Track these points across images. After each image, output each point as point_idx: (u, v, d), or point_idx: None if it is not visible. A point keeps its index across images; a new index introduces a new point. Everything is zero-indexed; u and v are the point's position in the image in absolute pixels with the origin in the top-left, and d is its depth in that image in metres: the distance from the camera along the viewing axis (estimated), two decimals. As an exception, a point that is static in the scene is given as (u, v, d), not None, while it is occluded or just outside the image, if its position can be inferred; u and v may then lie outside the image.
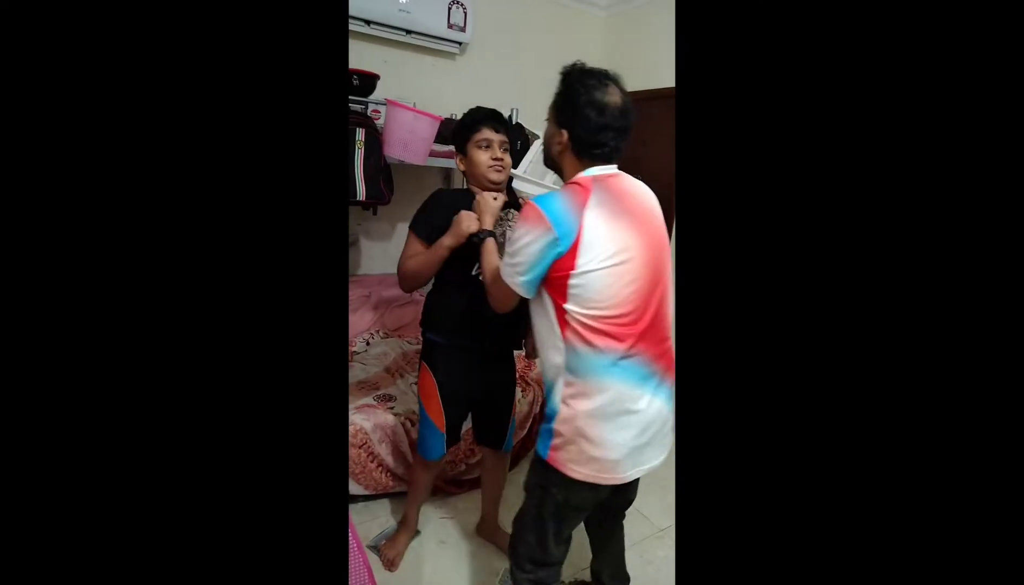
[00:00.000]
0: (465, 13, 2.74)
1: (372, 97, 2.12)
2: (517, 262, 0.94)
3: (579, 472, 0.97)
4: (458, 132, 1.34)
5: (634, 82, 3.55)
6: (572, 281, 0.90)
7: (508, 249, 0.97)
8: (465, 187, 1.41)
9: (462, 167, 1.36)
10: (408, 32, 2.63)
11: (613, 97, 0.96)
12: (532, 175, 1.42)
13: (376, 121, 2.06)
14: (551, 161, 1.06)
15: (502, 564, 1.63)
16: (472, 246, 1.21)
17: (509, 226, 1.32)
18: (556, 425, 0.98)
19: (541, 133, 1.39)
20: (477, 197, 1.25)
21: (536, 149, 1.53)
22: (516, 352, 1.54)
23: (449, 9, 2.68)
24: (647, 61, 3.25)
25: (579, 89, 0.96)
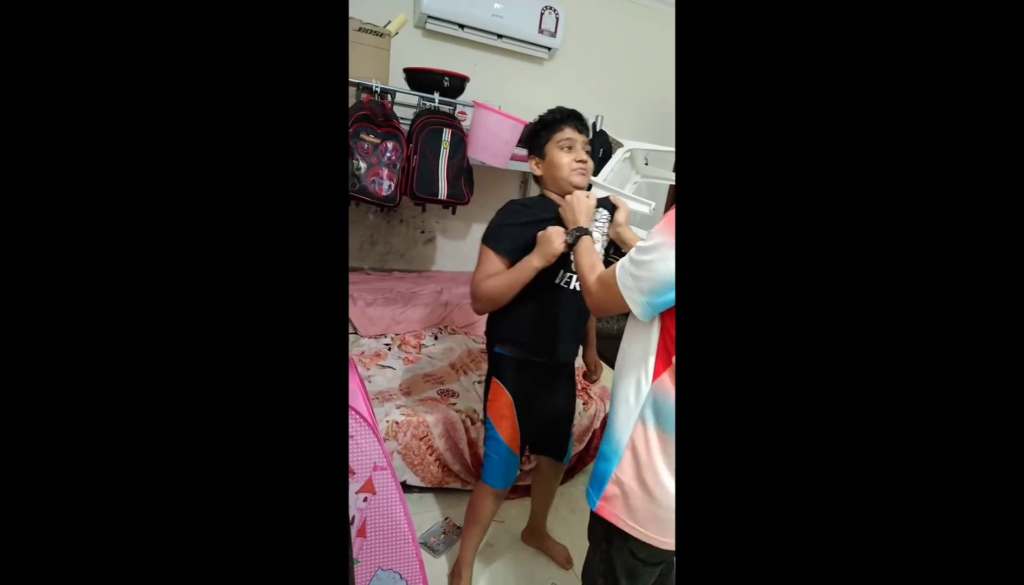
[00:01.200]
0: (557, 19, 2.74)
1: (460, 99, 2.17)
2: (644, 275, 0.77)
3: (636, 530, 0.84)
4: (536, 132, 1.23)
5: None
6: None
7: (636, 254, 0.79)
8: (540, 194, 1.29)
9: (538, 171, 1.25)
10: (500, 36, 2.67)
11: None
12: (613, 184, 1.34)
13: (463, 122, 2.11)
14: None
15: (546, 574, 1.60)
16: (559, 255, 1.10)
17: (597, 226, 1.19)
18: (616, 472, 0.85)
19: (624, 142, 1.34)
20: (568, 198, 1.11)
21: (619, 157, 1.46)
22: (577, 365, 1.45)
23: (541, 15, 2.70)
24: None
25: None
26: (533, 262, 1.11)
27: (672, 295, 0.75)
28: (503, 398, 1.28)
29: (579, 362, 1.49)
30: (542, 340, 1.24)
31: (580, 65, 2.96)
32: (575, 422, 1.53)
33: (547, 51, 2.83)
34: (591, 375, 1.58)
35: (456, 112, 2.14)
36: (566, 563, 1.62)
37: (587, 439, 2.01)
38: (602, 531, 0.91)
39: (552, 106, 1.27)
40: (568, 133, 1.20)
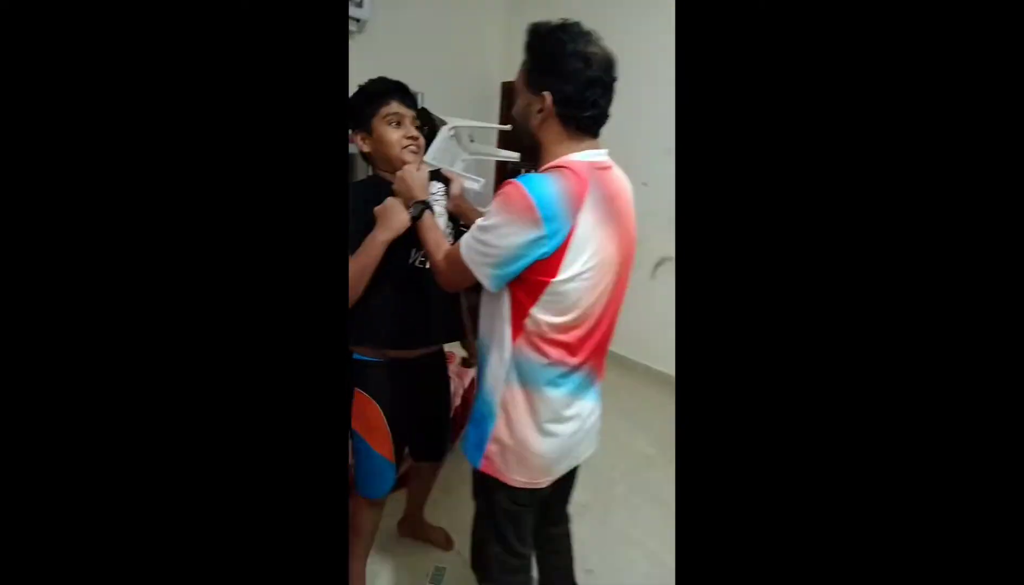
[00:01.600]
0: (362, -12, 2.57)
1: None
2: (490, 251, 0.79)
3: (517, 480, 0.92)
4: (360, 107, 1.11)
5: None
6: (550, 288, 0.79)
7: (479, 232, 0.81)
8: (371, 174, 1.20)
9: (366, 148, 1.13)
10: (299, 5, 2.41)
11: (597, 48, 0.81)
12: (442, 163, 1.30)
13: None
14: (526, 140, 0.89)
15: (429, 560, 1.59)
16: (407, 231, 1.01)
17: (436, 199, 1.13)
18: (494, 432, 0.91)
19: (449, 119, 1.31)
20: (399, 173, 1.03)
21: (444, 135, 1.42)
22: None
23: (344, -17, 2.50)
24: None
25: (561, 39, 0.80)
26: (379, 237, 1.00)
27: (517, 265, 0.79)
28: (370, 409, 1.17)
29: (450, 347, 1.41)
30: (407, 330, 1.13)
31: (395, 40, 2.83)
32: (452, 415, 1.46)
33: (356, 23, 2.65)
34: (472, 360, 1.49)
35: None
36: (447, 544, 1.61)
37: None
38: (480, 488, 0.98)
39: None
40: (395, 107, 1.11)
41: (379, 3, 2.70)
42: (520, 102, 0.89)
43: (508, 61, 3.58)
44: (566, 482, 1.10)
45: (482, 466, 0.93)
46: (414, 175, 1.04)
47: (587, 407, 0.95)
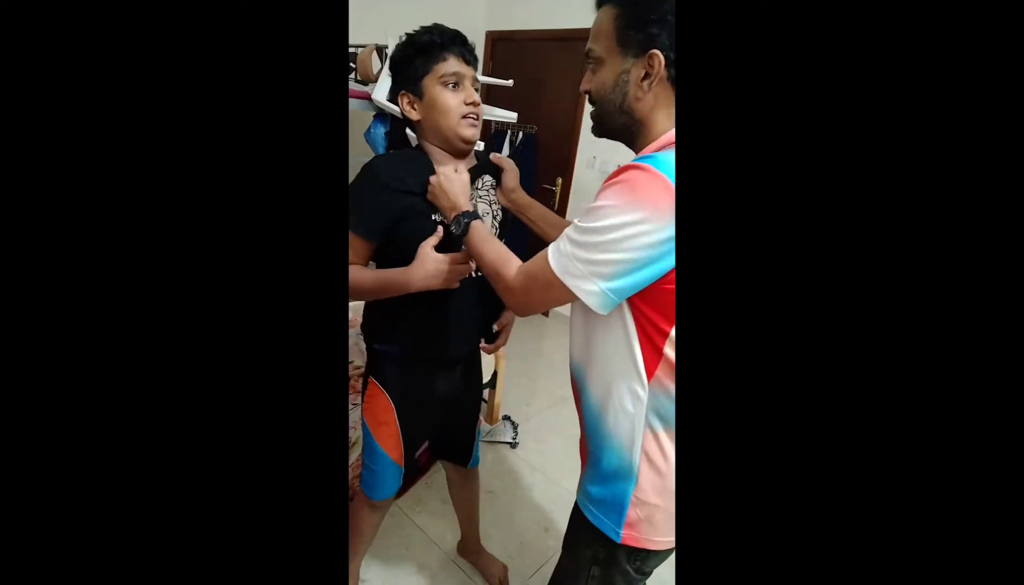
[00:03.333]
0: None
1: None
2: (607, 259, 0.60)
3: (664, 542, 0.73)
4: (408, 61, 0.88)
5: (531, 20, 3.23)
6: None
7: (583, 235, 0.62)
8: (416, 145, 0.96)
9: (415, 114, 0.90)
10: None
11: None
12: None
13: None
14: (618, 120, 0.68)
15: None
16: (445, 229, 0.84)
17: (491, 200, 0.94)
18: (638, 494, 0.71)
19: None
20: (434, 181, 0.84)
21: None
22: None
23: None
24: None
25: None
26: (411, 285, 0.83)
27: (645, 274, 0.60)
28: (381, 401, 1.02)
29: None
30: (434, 336, 0.98)
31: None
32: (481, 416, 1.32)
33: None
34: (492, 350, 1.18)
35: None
36: (502, 582, 1.42)
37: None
38: (602, 552, 0.76)
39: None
40: (454, 65, 0.86)
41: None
42: (605, 73, 0.67)
43: (491, 8, 3.24)
44: None
45: (623, 538, 0.73)
46: (452, 181, 0.82)
47: None
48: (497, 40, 3.27)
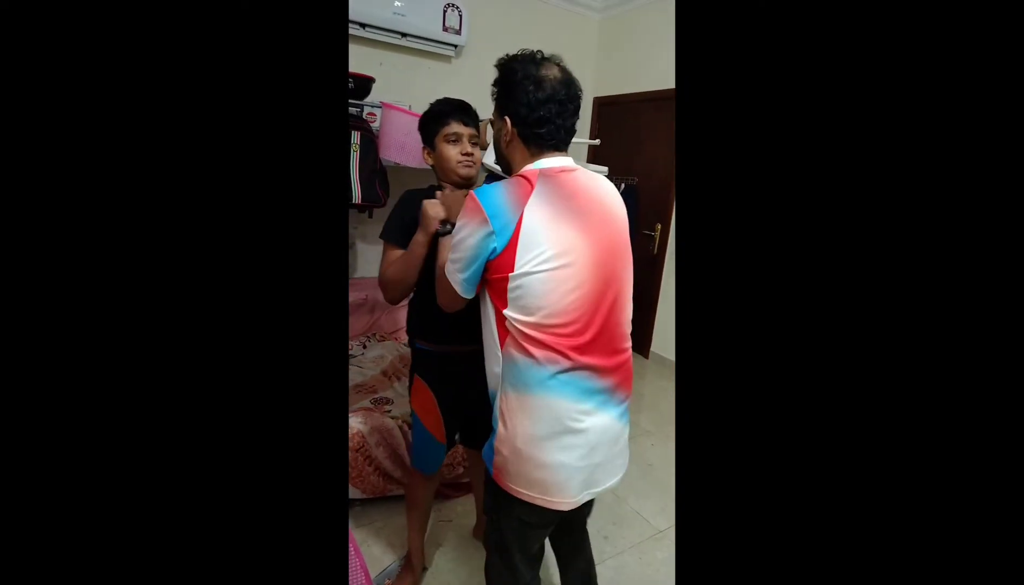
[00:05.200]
0: (460, 16, 2.74)
1: (368, 100, 2.11)
2: (457, 257, 0.90)
3: (524, 494, 0.91)
4: (425, 125, 1.26)
5: (629, 84, 3.56)
6: (511, 284, 0.85)
7: (453, 243, 0.92)
8: (435, 183, 1.33)
9: (430, 161, 1.29)
10: (404, 35, 2.63)
11: (550, 71, 0.90)
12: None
13: (372, 124, 2.06)
14: (503, 162, 1.00)
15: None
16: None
17: None
18: (496, 443, 0.92)
19: None
20: (438, 194, 1.18)
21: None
22: None
23: (444, 12, 2.69)
24: (642, 63, 3.26)
25: (513, 68, 0.91)
26: (419, 238, 1.15)
27: (477, 264, 0.88)
28: (425, 393, 1.33)
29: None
30: (458, 330, 1.23)
31: (488, 62, 2.97)
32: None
33: (453, 48, 2.82)
34: None
35: (365, 114, 2.08)
36: None
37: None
38: (491, 499, 1.00)
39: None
40: (454, 127, 1.23)
41: (475, 30, 2.85)
42: (494, 129, 0.99)
43: (600, 78, 3.62)
44: (580, 510, 1.03)
45: (493, 475, 0.96)
46: (449, 198, 1.16)
47: (602, 422, 0.91)
48: (602, 104, 3.63)
